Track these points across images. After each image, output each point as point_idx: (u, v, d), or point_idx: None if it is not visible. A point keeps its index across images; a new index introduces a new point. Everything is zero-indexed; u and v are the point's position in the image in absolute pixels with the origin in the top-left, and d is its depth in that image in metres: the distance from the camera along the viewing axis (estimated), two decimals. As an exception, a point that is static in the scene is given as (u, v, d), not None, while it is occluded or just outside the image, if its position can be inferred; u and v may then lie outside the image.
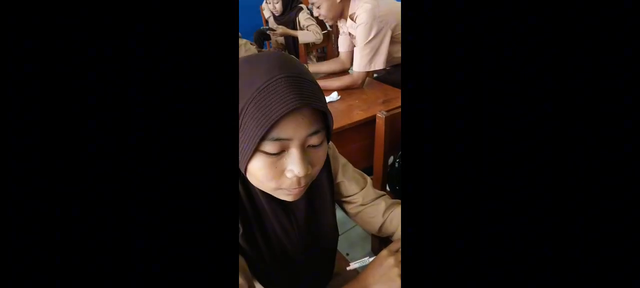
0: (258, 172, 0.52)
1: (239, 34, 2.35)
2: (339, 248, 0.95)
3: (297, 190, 0.55)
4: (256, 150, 0.50)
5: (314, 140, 0.52)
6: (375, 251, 1.67)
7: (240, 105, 0.49)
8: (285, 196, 0.57)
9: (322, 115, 0.53)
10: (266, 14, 3.07)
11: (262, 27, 3.06)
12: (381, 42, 1.68)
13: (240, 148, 0.51)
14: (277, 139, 0.49)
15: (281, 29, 2.74)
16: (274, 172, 0.52)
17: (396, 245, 0.63)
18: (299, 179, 0.53)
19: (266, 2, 2.89)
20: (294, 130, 0.49)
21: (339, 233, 0.80)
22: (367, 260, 0.70)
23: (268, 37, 2.94)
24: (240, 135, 0.50)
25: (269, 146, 0.49)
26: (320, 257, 0.77)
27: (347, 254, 1.73)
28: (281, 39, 2.84)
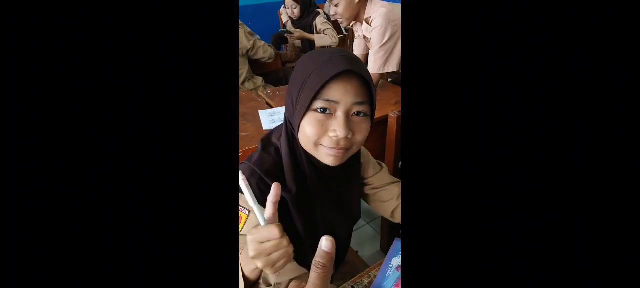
0: (307, 128, 0.61)
1: (257, 36, 2.38)
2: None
3: (335, 150, 0.62)
4: (309, 109, 0.60)
5: (358, 109, 0.61)
6: (384, 249, 1.68)
7: (304, 76, 0.60)
8: (325, 156, 0.63)
9: (367, 89, 0.61)
10: (284, 18, 3.10)
11: (280, 30, 3.09)
12: (395, 45, 1.69)
13: (297, 110, 0.62)
14: (327, 100, 0.59)
15: (299, 32, 2.76)
16: (320, 129, 0.61)
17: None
18: (338, 140, 0.60)
19: (284, 7, 2.92)
20: (342, 94, 0.59)
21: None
22: None
23: (285, 40, 2.96)
24: (300, 98, 0.61)
25: (319, 103, 0.59)
26: (340, 232, 0.83)
27: (356, 252, 1.73)
28: (298, 43, 2.85)
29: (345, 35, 2.90)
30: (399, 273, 0.72)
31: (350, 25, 1.86)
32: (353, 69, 0.58)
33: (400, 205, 0.84)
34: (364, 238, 1.84)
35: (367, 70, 0.62)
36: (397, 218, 0.86)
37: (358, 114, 0.62)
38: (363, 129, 0.63)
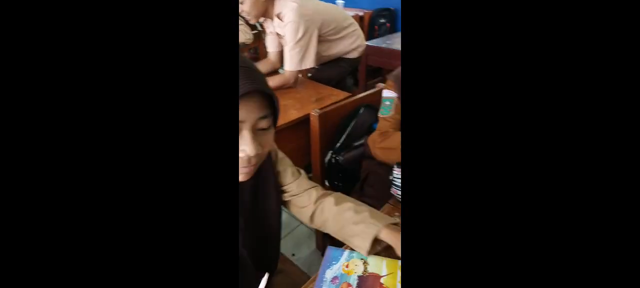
0: None
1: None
2: (284, 249, 0.99)
3: (247, 168, 0.63)
4: None
5: (263, 124, 0.61)
6: (320, 248, 1.68)
7: None
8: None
9: (269, 100, 0.62)
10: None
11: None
12: (309, 41, 1.68)
13: None
14: None
15: (209, 31, 2.64)
16: None
17: None
18: (249, 158, 0.61)
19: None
20: (247, 113, 0.58)
21: (285, 234, 0.80)
22: None
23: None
24: None
25: None
26: (264, 243, 0.84)
27: (293, 254, 1.71)
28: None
29: (260, 31, 2.82)
30: (334, 286, 0.69)
31: (261, 21, 1.80)
32: (254, 88, 0.57)
33: (317, 209, 0.85)
34: (300, 238, 1.82)
35: (266, 82, 0.63)
36: (316, 223, 0.86)
37: (263, 129, 0.63)
38: (269, 140, 0.66)
